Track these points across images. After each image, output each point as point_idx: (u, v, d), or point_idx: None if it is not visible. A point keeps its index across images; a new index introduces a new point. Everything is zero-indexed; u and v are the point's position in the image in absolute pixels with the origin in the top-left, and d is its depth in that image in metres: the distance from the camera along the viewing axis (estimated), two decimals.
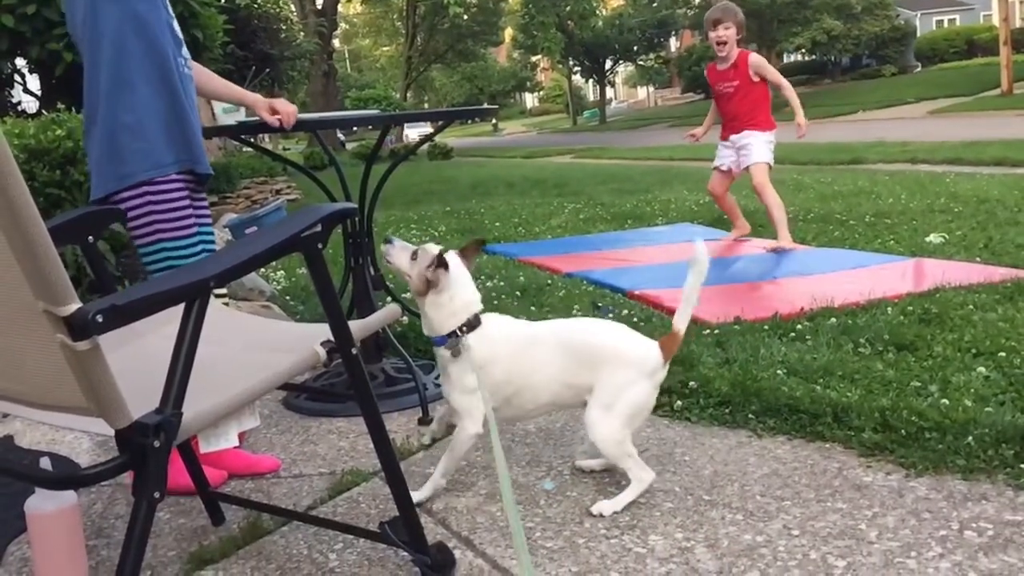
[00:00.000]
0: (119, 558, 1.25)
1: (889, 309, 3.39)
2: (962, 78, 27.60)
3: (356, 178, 3.14)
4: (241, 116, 3.12)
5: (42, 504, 1.76)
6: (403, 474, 1.75)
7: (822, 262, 4.62)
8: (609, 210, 7.70)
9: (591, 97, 55.39)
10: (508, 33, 47.78)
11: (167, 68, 2.16)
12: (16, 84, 7.63)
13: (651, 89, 53.81)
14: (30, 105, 7.66)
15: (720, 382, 2.67)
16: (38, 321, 1.13)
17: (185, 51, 2.30)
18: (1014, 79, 22.01)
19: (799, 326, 3.23)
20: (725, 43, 5.40)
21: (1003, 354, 2.74)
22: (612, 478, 2.21)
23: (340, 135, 30.61)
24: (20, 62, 7.14)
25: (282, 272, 5.42)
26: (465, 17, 38.18)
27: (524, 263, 5.20)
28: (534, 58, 51.23)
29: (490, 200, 9.65)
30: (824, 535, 1.85)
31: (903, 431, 2.24)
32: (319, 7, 28.40)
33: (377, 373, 3.01)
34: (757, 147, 5.42)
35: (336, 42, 42.46)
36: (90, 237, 1.84)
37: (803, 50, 38.49)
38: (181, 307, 1.30)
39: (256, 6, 12.96)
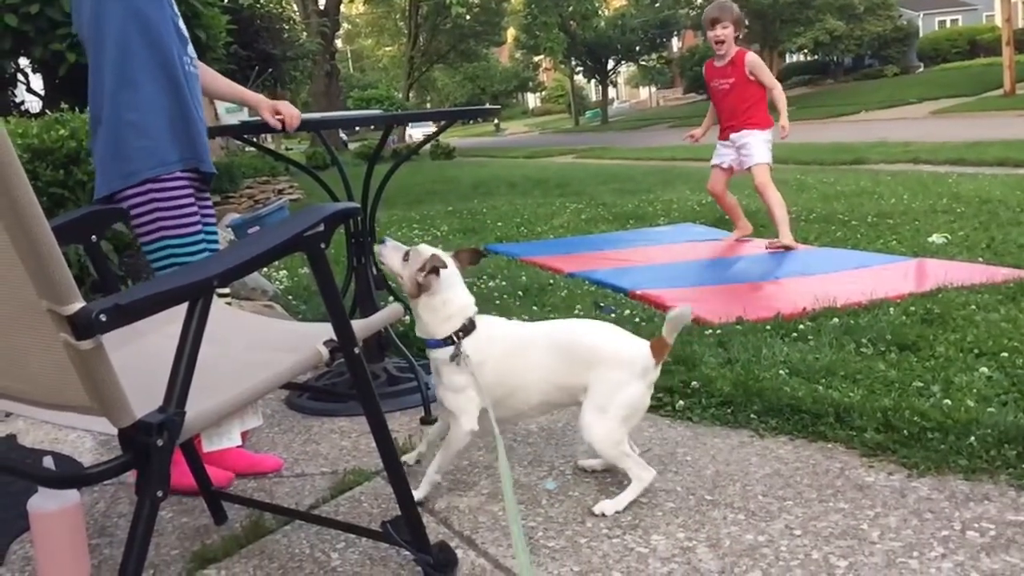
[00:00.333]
0: (122, 557, 1.25)
1: (891, 309, 3.39)
2: (964, 78, 27.57)
3: (359, 178, 3.14)
4: (244, 116, 3.13)
5: (45, 503, 1.77)
6: (405, 474, 1.75)
7: (824, 262, 4.62)
8: (611, 210, 7.70)
9: (593, 97, 55.41)
10: (510, 33, 47.79)
11: (172, 66, 2.17)
12: (19, 84, 7.64)
13: (653, 89, 53.77)
14: (33, 105, 7.67)
15: (722, 382, 2.67)
16: (42, 320, 1.14)
17: (191, 49, 2.30)
18: (1016, 79, 21.97)
19: (801, 326, 3.23)
20: (723, 42, 5.43)
21: (1005, 354, 2.74)
22: (614, 478, 2.21)
23: (343, 135, 30.63)
24: (23, 62, 7.15)
25: (284, 272, 5.42)
26: (467, 17, 38.17)
27: (526, 263, 5.20)
28: (536, 58, 51.22)
29: (492, 200, 9.65)
30: (826, 535, 1.84)
31: (905, 431, 2.24)
32: (321, 7, 28.41)
33: (379, 372, 3.01)
34: (757, 147, 5.43)
35: (339, 42, 42.44)
36: (93, 236, 1.84)
37: (805, 50, 38.47)
38: (184, 306, 1.31)
39: (259, 6, 12.97)
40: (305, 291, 4.73)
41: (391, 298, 3.18)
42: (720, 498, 2.06)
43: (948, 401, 2.37)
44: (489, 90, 54.37)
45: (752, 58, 5.47)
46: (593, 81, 50.34)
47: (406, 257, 2.11)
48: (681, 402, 2.64)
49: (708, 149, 5.81)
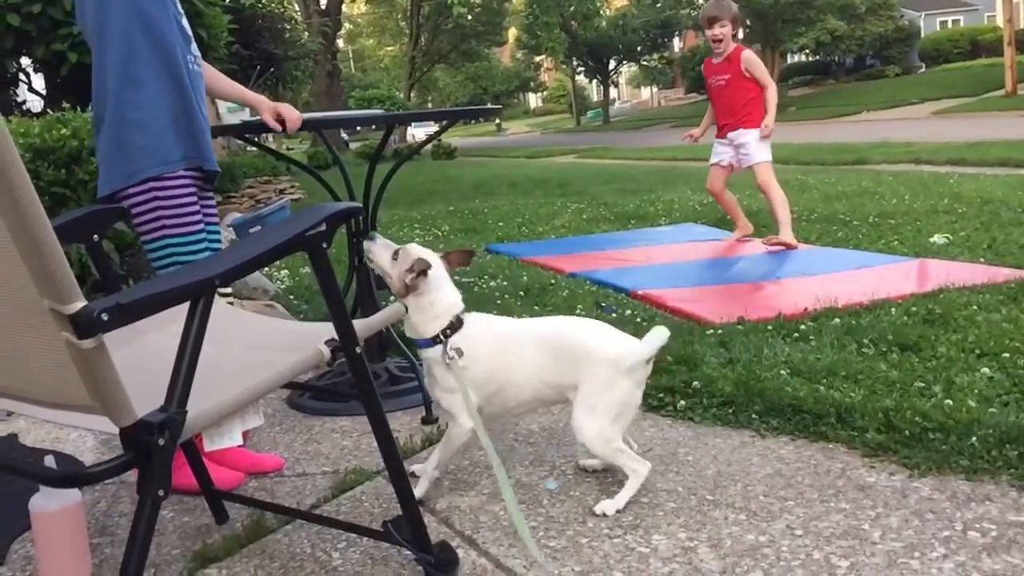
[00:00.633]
0: (123, 556, 1.25)
1: (893, 309, 3.39)
2: (966, 79, 27.56)
3: (360, 177, 3.14)
4: (246, 116, 3.13)
5: (46, 502, 1.77)
6: (406, 473, 1.75)
7: (826, 262, 4.62)
8: (612, 210, 7.70)
9: (595, 97, 55.40)
10: (512, 33, 47.80)
11: (175, 65, 2.17)
12: (21, 83, 7.64)
13: (655, 89, 53.76)
14: (35, 104, 7.67)
15: (723, 382, 2.67)
16: (43, 319, 1.14)
17: (195, 48, 2.30)
18: (1018, 80, 21.96)
19: (803, 326, 3.23)
20: (721, 40, 5.45)
21: (1007, 355, 2.74)
22: (615, 477, 2.21)
23: (344, 135, 30.63)
24: (25, 61, 7.15)
25: (286, 271, 5.42)
26: (469, 17, 38.18)
27: (527, 263, 5.20)
28: (538, 58, 51.19)
29: (493, 200, 9.65)
30: (827, 535, 1.84)
31: (907, 432, 2.23)
32: (323, 7, 28.44)
33: (380, 372, 3.02)
34: (756, 146, 5.43)
35: (340, 42, 42.45)
36: (95, 236, 1.85)
37: (807, 50, 38.43)
38: (185, 306, 1.31)
39: (260, 6, 12.96)
40: (306, 291, 4.73)
41: (392, 298, 3.18)
42: (721, 498, 2.06)
43: (949, 401, 2.37)
44: (491, 90, 54.38)
45: (748, 55, 5.48)
46: (594, 81, 50.34)
47: (395, 256, 2.12)
48: (682, 402, 2.64)
49: (709, 149, 5.82)
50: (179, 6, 2.25)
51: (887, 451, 2.20)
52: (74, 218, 1.85)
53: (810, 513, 1.95)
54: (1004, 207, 5.82)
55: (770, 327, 3.26)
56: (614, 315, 3.65)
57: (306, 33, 17.98)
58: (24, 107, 7.61)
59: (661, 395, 2.70)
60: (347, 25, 49.39)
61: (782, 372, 2.73)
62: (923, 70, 36.01)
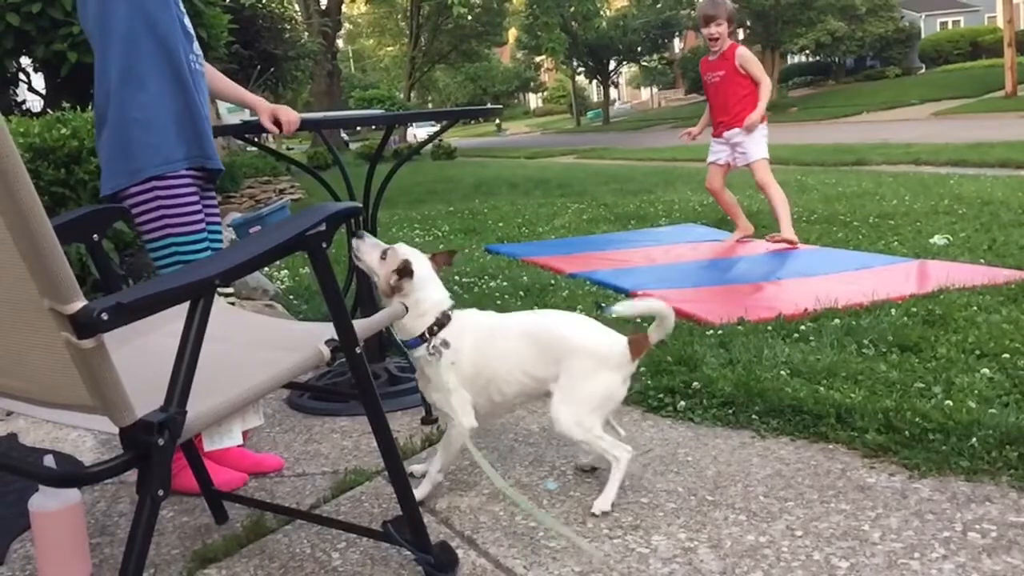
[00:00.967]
0: (123, 556, 1.25)
1: (893, 310, 3.38)
2: (966, 80, 27.56)
3: (360, 177, 3.14)
4: (246, 116, 3.13)
5: (46, 502, 1.77)
6: (406, 473, 1.75)
7: (826, 263, 4.62)
8: (612, 211, 7.70)
9: (595, 98, 55.40)
10: (512, 33, 47.78)
11: (178, 64, 2.17)
12: (21, 83, 7.64)
13: (655, 90, 53.76)
14: (35, 104, 7.67)
15: (723, 383, 2.67)
16: (43, 319, 1.14)
17: (197, 47, 2.30)
18: (1018, 81, 21.96)
19: (803, 327, 3.23)
20: (717, 39, 5.47)
21: (1007, 355, 2.74)
22: None
23: (344, 135, 30.64)
24: (25, 61, 7.15)
25: (286, 271, 5.42)
26: (469, 17, 38.12)
27: (527, 263, 5.20)
28: (538, 59, 51.20)
29: (493, 200, 9.65)
30: (827, 536, 1.84)
31: (907, 432, 2.23)
32: (323, 7, 28.43)
33: (380, 372, 3.01)
34: (752, 144, 5.44)
35: (340, 42, 42.49)
36: (95, 235, 1.85)
37: (807, 51, 38.42)
38: (185, 305, 1.31)
39: (260, 6, 12.95)
40: (306, 291, 4.73)
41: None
42: (721, 499, 2.06)
43: (949, 402, 2.37)
44: (491, 90, 54.40)
45: (743, 51, 5.50)
46: (594, 82, 50.32)
47: (384, 255, 2.12)
48: (683, 403, 2.64)
49: (708, 149, 5.82)
50: (181, 5, 2.25)
51: (887, 452, 2.20)
52: (74, 217, 1.85)
53: (810, 514, 1.95)
54: (1004, 208, 5.82)
55: (770, 328, 3.26)
56: (614, 316, 3.64)
57: (306, 33, 18.00)
58: (24, 107, 7.60)
59: (661, 396, 2.70)
60: (347, 25, 49.41)
61: (782, 373, 2.73)
62: (923, 71, 36.02)
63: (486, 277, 4.71)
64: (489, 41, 44.35)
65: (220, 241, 2.37)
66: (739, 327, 3.29)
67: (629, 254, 5.32)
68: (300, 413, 2.92)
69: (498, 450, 2.45)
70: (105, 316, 1.13)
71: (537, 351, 2.10)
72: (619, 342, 2.10)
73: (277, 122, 2.53)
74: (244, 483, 2.31)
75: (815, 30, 33.71)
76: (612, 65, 45.80)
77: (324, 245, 1.52)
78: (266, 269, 5.07)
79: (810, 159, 11.63)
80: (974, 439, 2.15)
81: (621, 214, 7.42)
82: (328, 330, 1.59)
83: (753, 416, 2.50)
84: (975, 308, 3.33)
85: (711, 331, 3.26)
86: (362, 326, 1.67)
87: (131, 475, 1.29)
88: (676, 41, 47.26)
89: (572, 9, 37.99)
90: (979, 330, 3.02)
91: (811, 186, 8.20)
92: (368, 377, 1.64)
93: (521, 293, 4.25)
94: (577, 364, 2.07)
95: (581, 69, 46.42)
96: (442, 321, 2.11)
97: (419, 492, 2.10)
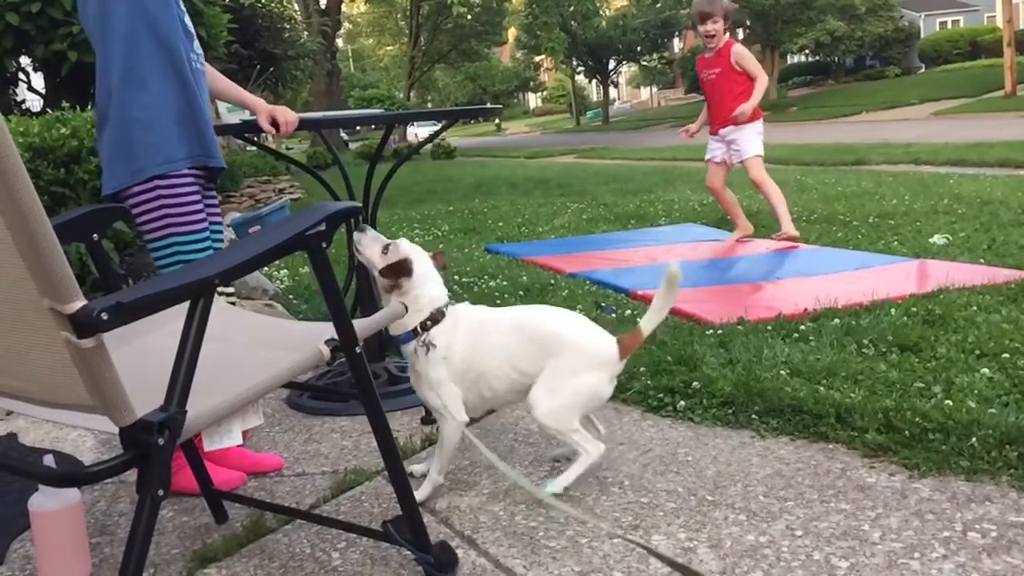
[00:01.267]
0: (122, 556, 1.25)
1: (893, 310, 3.38)
2: (965, 79, 27.56)
3: (360, 177, 3.14)
4: (245, 115, 3.13)
5: (45, 502, 1.77)
6: (406, 473, 1.75)
7: (825, 263, 4.62)
8: (612, 210, 7.70)
9: (594, 97, 55.39)
10: (511, 33, 47.76)
11: (179, 63, 2.17)
12: (21, 82, 7.63)
13: (654, 89, 53.75)
14: (34, 103, 7.66)
15: (723, 382, 2.67)
16: (43, 318, 1.14)
17: (197, 46, 2.30)
18: (1017, 81, 21.96)
19: (802, 327, 3.23)
20: (714, 36, 5.47)
21: (1007, 355, 2.74)
22: (614, 477, 2.21)
23: (344, 134, 30.63)
24: (25, 60, 7.15)
25: (285, 271, 5.42)
26: (469, 17, 38.11)
27: (527, 263, 5.20)
28: (537, 58, 51.17)
29: (493, 200, 9.65)
30: (827, 536, 1.84)
31: (906, 432, 2.23)
32: (323, 6, 28.42)
33: (380, 372, 3.01)
34: (747, 140, 5.45)
35: (340, 41, 42.46)
36: (95, 235, 1.84)
37: (807, 51, 38.41)
38: (185, 305, 1.30)
39: (260, 5, 12.95)
40: (306, 290, 4.73)
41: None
42: (721, 498, 2.06)
43: (949, 402, 2.37)
44: (490, 90, 54.37)
45: (738, 48, 5.51)
46: (594, 81, 50.32)
47: (385, 250, 2.12)
48: (682, 402, 2.64)
49: (706, 147, 5.83)
50: (182, 5, 2.25)
51: (887, 452, 2.20)
52: (74, 217, 1.85)
53: (810, 513, 1.95)
54: (1004, 208, 5.82)
55: (770, 327, 3.26)
56: (614, 315, 3.65)
57: (306, 33, 17.98)
58: (24, 106, 7.60)
59: (661, 395, 2.70)
60: (347, 25, 49.38)
61: (782, 372, 2.73)
62: (923, 71, 36.02)
63: (486, 277, 4.71)
64: (489, 41, 44.34)
65: (221, 240, 2.37)
66: (739, 327, 3.29)
67: (629, 254, 5.32)
68: (300, 413, 2.92)
69: (498, 450, 2.45)
70: (105, 316, 1.13)
71: (527, 346, 2.10)
72: (608, 341, 2.11)
73: (275, 123, 2.53)
74: (243, 483, 2.31)
75: (815, 30, 33.70)
76: (612, 65, 45.79)
77: (324, 245, 1.52)
78: (266, 269, 5.07)
79: (810, 159, 11.63)
80: (974, 439, 2.15)
81: (621, 214, 7.42)
82: (328, 330, 1.59)
83: (753, 416, 2.50)
84: (975, 308, 3.33)
85: (711, 331, 3.26)
86: (362, 326, 1.67)
87: (131, 475, 1.29)
88: (676, 41, 47.24)
89: (572, 8, 37.99)
90: (979, 330, 3.02)
91: (811, 186, 8.20)
92: (368, 377, 1.64)
93: (521, 293, 4.25)
94: (565, 360, 2.07)
95: (581, 69, 46.42)
96: (436, 317, 2.11)
97: (419, 494, 2.10)
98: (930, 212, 5.96)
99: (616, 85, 55.56)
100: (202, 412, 1.33)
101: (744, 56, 5.48)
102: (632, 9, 43.60)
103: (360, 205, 2.64)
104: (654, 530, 1.92)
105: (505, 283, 4.50)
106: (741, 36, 31.52)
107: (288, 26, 14.23)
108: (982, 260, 4.29)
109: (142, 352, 1.66)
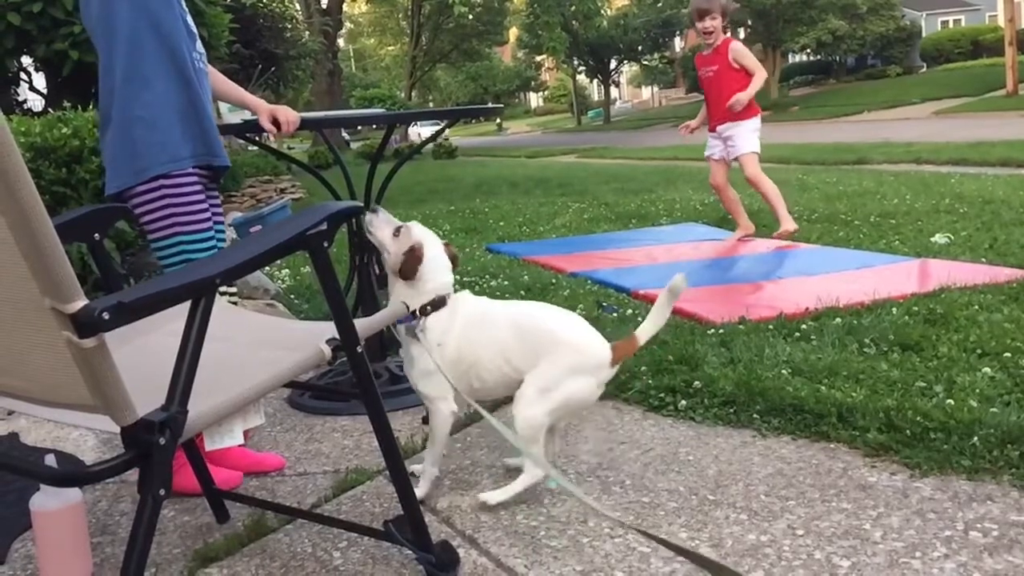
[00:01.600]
0: (124, 555, 1.25)
1: (894, 309, 3.38)
2: (967, 79, 27.54)
3: (361, 177, 3.14)
4: (247, 115, 3.14)
5: (47, 501, 1.77)
6: (407, 473, 1.75)
7: (827, 262, 4.61)
8: (613, 210, 7.70)
9: (595, 97, 55.36)
10: (513, 33, 47.77)
11: (182, 62, 2.17)
12: (22, 82, 7.64)
13: (655, 89, 53.72)
14: (36, 103, 7.67)
15: (724, 382, 2.67)
16: (44, 318, 1.14)
17: (200, 46, 2.30)
18: (1019, 80, 21.94)
19: (804, 326, 3.22)
20: (712, 32, 5.48)
21: (1008, 354, 2.73)
22: (616, 476, 2.21)
23: (345, 134, 30.65)
24: (26, 60, 7.15)
25: (287, 271, 5.43)
26: (470, 17, 38.14)
27: (528, 262, 5.20)
28: (539, 58, 51.14)
29: (494, 199, 9.65)
30: (828, 535, 1.84)
31: (908, 431, 2.23)
32: (324, 6, 28.43)
33: (381, 371, 3.01)
34: (742, 137, 5.46)
35: (341, 41, 42.46)
36: (96, 235, 1.84)
37: (808, 50, 38.38)
38: (186, 304, 1.30)
39: (262, 5, 12.96)
40: (307, 290, 4.73)
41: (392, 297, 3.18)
42: (722, 498, 2.06)
43: (951, 401, 2.36)
44: (491, 89, 54.36)
45: (736, 45, 5.52)
46: (595, 81, 50.29)
47: (396, 232, 2.12)
48: (684, 402, 2.64)
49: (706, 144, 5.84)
50: (183, 4, 2.25)
51: (888, 451, 2.20)
52: (75, 217, 1.85)
53: (811, 513, 1.95)
54: (1005, 207, 5.81)
55: (771, 327, 3.26)
56: (615, 315, 3.65)
57: (307, 32, 18.00)
58: (25, 106, 7.61)
59: (662, 395, 2.70)
60: (348, 24, 49.39)
61: (783, 372, 2.72)
62: (924, 70, 35.99)
63: (487, 276, 4.71)
64: (490, 40, 44.35)
65: (224, 240, 2.37)
66: (740, 326, 3.29)
67: (630, 253, 5.32)
68: (301, 412, 2.92)
69: (503, 446, 2.45)
70: (106, 315, 1.13)
71: (522, 341, 2.09)
72: (603, 346, 2.10)
73: (276, 122, 2.53)
74: (240, 482, 2.31)
75: (816, 29, 33.66)
76: (613, 64, 45.75)
77: (325, 244, 1.52)
78: (267, 268, 5.07)
79: (811, 158, 11.62)
80: (975, 438, 2.15)
81: (622, 213, 7.41)
82: (329, 329, 1.59)
83: (754, 415, 2.50)
84: (976, 307, 3.32)
85: (712, 330, 3.26)
86: (363, 325, 1.67)
87: (132, 474, 1.29)
88: (677, 40, 47.19)
89: (573, 8, 37.98)
90: (980, 329, 3.02)
91: (812, 185, 8.19)
92: (369, 376, 1.64)
93: (522, 292, 4.25)
94: (559, 359, 2.06)
95: (582, 68, 46.39)
96: (437, 303, 2.11)
97: (419, 491, 2.09)
98: (931, 211, 5.96)
99: (617, 85, 55.54)
100: (203, 412, 1.34)
101: (742, 53, 5.49)
102: (633, 8, 43.57)
103: (361, 205, 2.64)
104: (655, 529, 1.92)
105: (506, 283, 4.51)
106: (743, 35, 31.51)
107: (289, 26, 14.24)
108: (984, 259, 4.28)
109: (143, 352, 1.66)
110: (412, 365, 2.14)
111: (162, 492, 1.26)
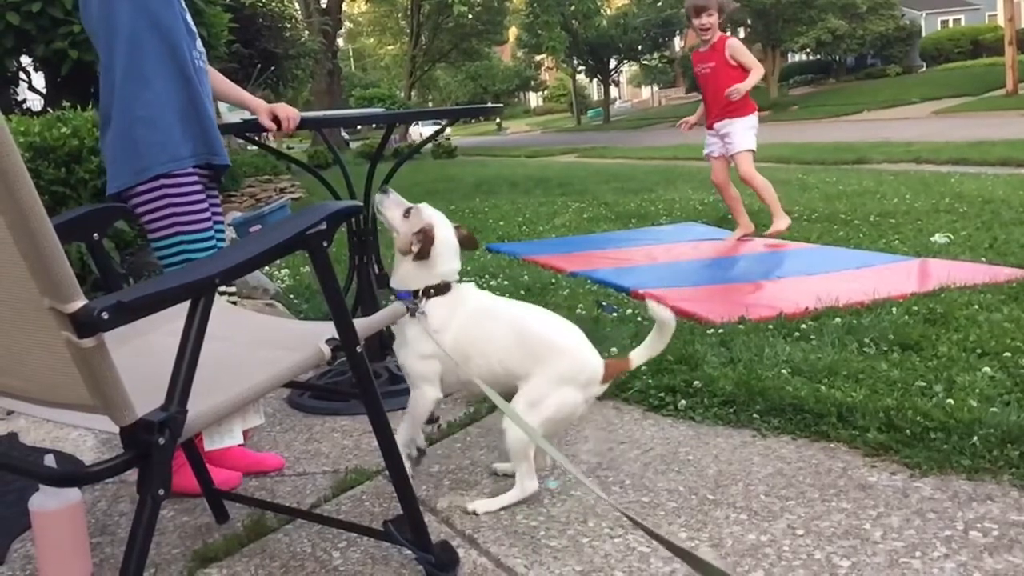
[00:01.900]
0: (123, 555, 1.25)
1: (894, 309, 3.38)
2: (967, 78, 27.53)
3: (361, 176, 3.14)
4: (246, 114, 3.13)
5: (46, 501, 1.77)
6: (407, 473, 1.74)
7: (827, 262, 4.61)
8: (613, 209, 7.70)
9: (595, 96, 55.36)
10: (512, 32, 47.77)
11: (182, 61, 2.17)
12: (21, 82, 7.64)
13: (655, 88, 53.72)
14: (35, 103, 7.67)
15: (724, 382, 2.66)
16: (44, 318, 1.14)
17: (200, 45, 2.30)
18: (1019, 79, 21.94)
19: (804, 326, 3.22)
20: (708, 29, 5.48)
21: (1008, 354, 2.73)
22: (615, 476, 2.21)
23: (344, 134, 30.64)
24: (25, 60, 7.15)
25: (286, 270, 5.42)
26: (469, 16, 38.15)
27: (528, 262, 5.20)
28: (538, 57, 51.11)
29: (494, 199, 9.64)
30: (828, 535, 1.84)
31: (908, 431, 2.23)
32: (323, 6, 28.42)
33: (381, 371, 3.01)
34: (738, 135, 5.46)
35: (340, 41, 42.46)
36: (95, 234, 1.84)
37: (808, 50, 38.37)
38: (186, 304, 1.30)
39: (261, 4, 12.95)
40: (307, 290, 4.73)
41: (392, 297, 3.18)
42: (722, 498, 2.05)
43: (951, 401, 2.36)
44: (491, 89, 54.34)
45: (732, 42, 5.52)
46: (595, 80, 50.28)
47: (407, 214, 2.11)
48: (683, 402, 2.64)
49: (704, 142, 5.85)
50: (183, 3, 2.25)
51: (888, 451, 2.20)
52: (74, 216, 1.84)
53: (811, 513, 1.95)
54: (1005, 206, 5.81)
55: (771, 326, 3.26)
56: (615, 314, 3.65)
57: (306, 32, 18.00)
58: (24, 106, 7.61)
59: (662, 394, 2.70)
60: (347, 24, 49.42)
61: (783, 371, 2.72)
62: (924, 69, 35.99)
63: (487, 276, 4.71)
64: (490, 40, 44.36)
65: (224, 239, 2.37)
66: (740, 326, 3.29)
67: (630, 253, 5.31)
68: (301, 412, 2.92)
69: (498, 449, 2.45)
70: (105, 315, 1.13)
71: (520, 345, 2.09)
72: (597, 360, 2.10)
73: (276, 120, 2.53)
74: (239, 483, 2.31)
75: (816, 28, 33.66)
76: (612, 64, 45.73)
77: (325, 244, 1.52)
78: (267, 268, 5.07)
79: (811, 157, 11.62)
80: (975, 438, 2.15)
81: (622, 213, 7.41)
82: (329, 329, 1.59)
83: (754, 415, 2.50)
84: (976, 307, 3.32)
85: (712, 330, 3.26)
86: (363, 325, 1.67)
87: (132, 474, 1.28)
88: (677, 39, 47.18)
89: (572, 8, 38.00)
90: (980, 329, 3.02)
91: (812, 184, 8.19)
92: (369, 376, 1.64)
93: (522, 292, 4.25)
94: (552, 368, 2.05)
95: (581, 68, 46.37)
96: (440, 288, 2.10)
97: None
98: (931, 211, 5.96)
99: (617, 84, 55.54)
100: (203, 411, 1.33)
101: (738, 49, 5.49)
102: (633, 8, 43.57)
103: (361, 204, 2.64)
104: (655, 529, 1.92)
105: (506, 282, 4.50)
106: (742, 35, 31.50)
107: (289, 25, 14.23)
108: (983, 259, 4.28)
109: (143, 351, 1.66)
110: (405, 343, 2.12)
111: (161, 492, 1.26)
